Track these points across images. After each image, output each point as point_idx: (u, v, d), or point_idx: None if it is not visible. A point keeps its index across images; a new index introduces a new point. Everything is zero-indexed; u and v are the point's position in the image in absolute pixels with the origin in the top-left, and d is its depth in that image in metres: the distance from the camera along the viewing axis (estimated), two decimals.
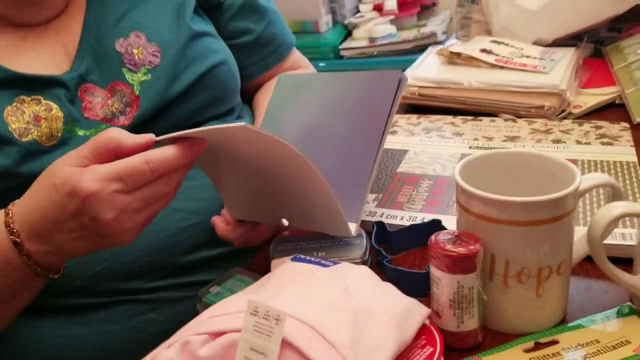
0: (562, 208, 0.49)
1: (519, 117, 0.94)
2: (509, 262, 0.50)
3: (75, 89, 0.73)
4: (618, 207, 0.50)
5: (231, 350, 0.44)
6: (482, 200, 0.50)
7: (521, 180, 0.55)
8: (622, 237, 0.61)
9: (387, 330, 0.46)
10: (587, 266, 0.57)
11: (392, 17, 2.08)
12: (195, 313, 0.51)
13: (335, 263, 0.53)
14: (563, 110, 0.94)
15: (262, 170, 0.60)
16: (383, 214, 0.71)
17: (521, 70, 1.00)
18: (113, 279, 0.72)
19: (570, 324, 0.53)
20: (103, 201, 0.52)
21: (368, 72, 0.70)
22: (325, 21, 2.11)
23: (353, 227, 0.62)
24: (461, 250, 0.48)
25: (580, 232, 0.55)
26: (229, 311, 0.47)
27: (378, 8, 2.13)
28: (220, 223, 0.69)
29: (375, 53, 2.04)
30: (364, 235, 0.63)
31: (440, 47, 1.14)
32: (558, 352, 0.50)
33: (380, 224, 0.66)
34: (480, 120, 0.95)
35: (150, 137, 0.54)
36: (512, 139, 0.87)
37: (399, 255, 0.66)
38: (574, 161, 0.78)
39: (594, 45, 1.16)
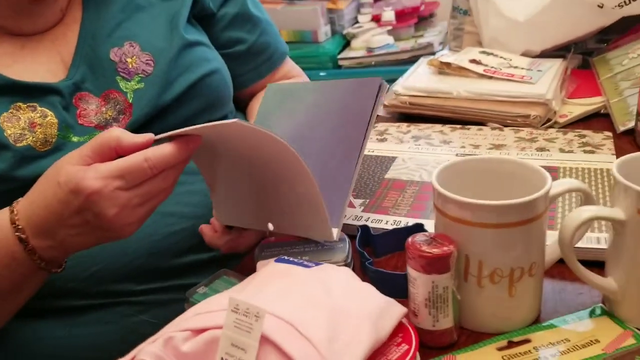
0: (532, 211, 0.51)
1: (506, 126, 0.96)
2: (482, 263, 0.52)
3: (70, 96, 0.76)
4: (587, 211, 0.52)
5: (213, 346, 0.46)
6: (457, 204, 0.52)
7: (497, 185, 0.57)
8: (597, 241, 0.63)
9: (363, 327, 0.48)
10: (562, 268, 0.59)
11: (390, 27, 2.12)
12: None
13: (317, 264, 0.55)
14: (549, 120, 0.96)
15: (253, 167, 0.62)
16: (369, 218, 0.73)
17: (509, 80, 1.02)
18: (105, 281, 0.73)
19: (543, 324, 0.55)
20: (106, 198, 0.55)
21: (349, 80, 0.72)
22: (324, 31, 2.14)
23: (335, 232, 0.64)
24: (435, 251, 0.50)
25: (554, 236, 0.57)
26: (211, 309, 0.49)
27: (376, 19, 2.17)
28: (208, 231, 0.71)
29: (373, 63, 2.07)
30: (347, 239, 0.65)
31: (431, 57, 1.16)
32: (529, 351, 0.52)
33: (364, 228, 0.68)
34: (468, 128, 0.97)
35: (149, 136, 0.57)
36: (497, 147, 0.89)
37: (383, 258, 0.68)
38: (556, 169, 0.80)
39: (582, 56, 1.18)
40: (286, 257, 0.56)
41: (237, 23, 0.93)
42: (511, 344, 0.53)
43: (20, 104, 0.72)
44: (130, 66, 0.78)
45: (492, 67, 1.07)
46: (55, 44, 0.78)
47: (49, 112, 0.73)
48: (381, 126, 1.01)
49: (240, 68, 0.94)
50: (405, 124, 1.01)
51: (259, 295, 0.50)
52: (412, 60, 2.05)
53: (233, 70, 0.91)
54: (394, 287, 0.58)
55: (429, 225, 0.67)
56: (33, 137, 0.71)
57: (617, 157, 0.81)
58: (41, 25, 0.77)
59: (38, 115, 0.72)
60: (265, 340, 0.44)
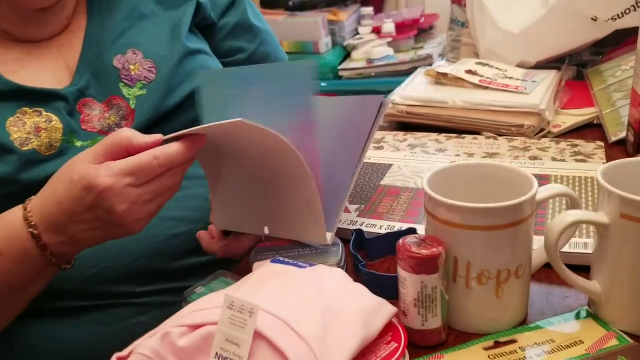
0: (519, 214, 0.53)
1: (500, 135, 0.98)
2: (470, 265, 0.54)
3: (74, 102, 0.78)
4: (572, 215, 0.54)
5: (208, 341, 0.47)
6: (447, 207, 0.53)
7: (486, 189, 0.58)
8: (584, 246, 0.65)
9: (353, 325, 0.49)
10: (549, 272, 0.61)
11: (390, 39, 2.14)
12: None
13: (311, 265, 0.57)
14: (542, 129, 0.98)
15: (255, 168, 0.65)
16: (363, 222, 0.75)
17: (503, 90, 1.05)
18: (105, 282, 0.75)
19: (529, 325, 0.56)
20: (117, 194, 0.58)
21: (353, 96, 0.75)
22: (324, 42, 2.17)
23: (329, 236, 0.66)
24: (424, 252, 0.52)
25: (542, 240, 0.59)
26: (207, 306, 0.50)
27: (376, 30, 2.19)
28: (205, 236, 0.74)
29: (372, 74, 2.10)
30: (340, 243, 0.67)
31: (428, 67, 1.19)
32: (515, 350, 0.53)
33: (358, 232, 0.70)
34: (463, 137, 0.99)
35: (158, 136, 0.60)
36: (491, 155, 0.91)
37: (376, 261, 0.69)
38: (547, 176, 0.82)
39: (577, 68, 1.20)
40: (281, 258, 0.58)
41: (237, 32, 0.95)
42: (497, 344, 0.54)
43: (26, 108, 0.74)
44: (132, 73, 0.80)
45: (487, 78, 1.09)
46: (61, 51, 0.80)
47: (54, 117, 0.75)
48: (378, 134, 1.03)
49: None
50: (402, 133, 1.03)
51: (254, 294, 0.51)
52: (411, 72, 2.06)
53: None
54: (386, 288, 0.60)
55: (422, 230, 0.69)
56: (38, 141, 0.73)
57: None
58: (47, 33, 0.80)
59: (43, 120, 0.74)
60: (258, 335, 0.46)
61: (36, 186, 0.69)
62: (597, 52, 1.21)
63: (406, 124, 1.07)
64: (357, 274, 0.65)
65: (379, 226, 0.73)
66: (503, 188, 0.58)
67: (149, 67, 0.81)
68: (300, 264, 0.57)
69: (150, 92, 0.81)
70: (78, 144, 0.76)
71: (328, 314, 0.50)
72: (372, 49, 2.09)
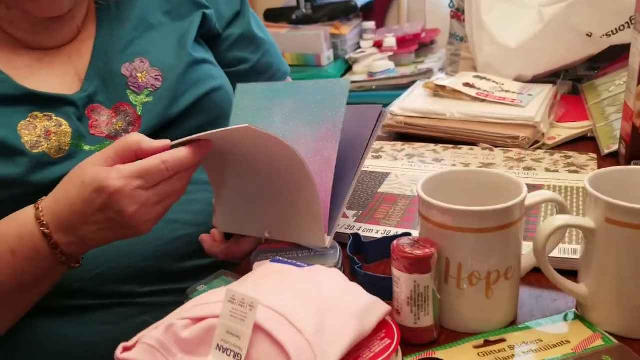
0: (508, 217, 0.55)
1: (496, 146, 1.01)
2: (462, 266, 0.56)
3: (83, 108, 0.81)
4: (560, 220, 0.56)
5: (210, 333, 0.50)
6: (440, 210, 0.56)
7: (478, 195, 0.61)
8: (573, 252, 0.67)
9: (348, 321, 0.52)
10: (539, 277, 0.63)
11: (391, 53, 2.17)
12: None
13: (309, 265, 0.59)
14: (537, 141, 1.01)
15: (259, 172, 0.67)
16: (360, 227, 0.77)
17: (500, 103, 1.07)
18: (111, 281, 0.78)
19: (518, 326, 0.59)
20: (127, 196, 0.61)
21: (352, 106, 0.78)
22: (327, 55, 2.20)
23: (327, 239, 0.68)
24: (418, 252, 0.54)
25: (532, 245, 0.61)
26: (209, 301, 0.53)
27: (378, 44, 2.23)
28: (208, 239, 0.76)
29: (373, 87, 2.12)
30: (338, 247, 0.70)
31: (427, 80, 1.22)
32: (504, 349, 0.55)
33: (355, 235, 0.72)
34: (460, 148, 1.02)
35: (167, 142, 0.63)
36: (487, 165, 0.93)
37: (372, 265, 0.72)
38: (541, 186, 0.84)
39: (572, 83, 1.23)
40: (280, 258, 0.61)
41: (241, 43, 0.98)
42: (487, 343, 0.56)
43: (37, 113, 0.77)
44: (140, 81, 0.83)
45: (484, 91, 1.11)
46: (71, 59, 0.83)
47: (64, 122, 0.78)
48: (377, 144, 1.05)
49: None
50: (400, 143, 1.06)
51: (255, 290, 0.54)
52: (411, 85, 2.11)
53: None
54: (381, 289, 0.62)
55: (417, 234, 0.71)
56: (48, 145, 0.76)
57: None
58: (58, 41, 0.82)
59: (53, 124, 0.77)
60: (258, 328, 0.48)
61: (45, 188, 0.72)
62: (593, 67, 1.24)
63: (405, 135, 1.09)
64: (354, 276, 0.67)
65: (375, 231, 0.76)
66: (494, 194, 0.60)
67: (156, 75, 0.84)
68: (298, 263, 0.59)
69: (156, 99, 0.83)
70: (86, 148, 0.79)
71: (325, 310, 0.52)
72: (373, 62, 2.12)
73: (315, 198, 0.65)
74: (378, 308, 0.55)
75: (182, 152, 0.62)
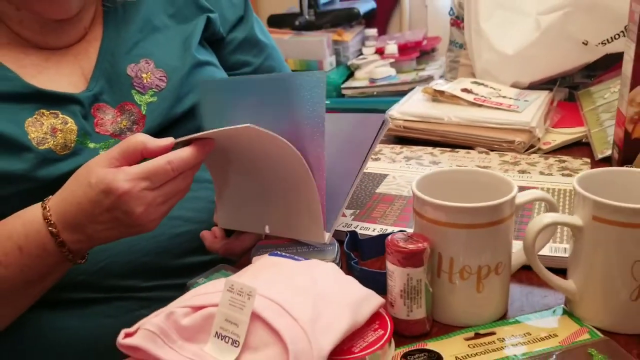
0: (499, 214, 0.57)
1: (492, 150, 1.03)
2: (453, 261, 0.58)
3: (89, 106, 0.83)
4: (548, 217, 0.58)
5: (209, 321, 0.52)
6: (433, 206, 0.58)
7: (470, 193, 0.63)
8: (564, 251, 0.69)
9: (343, 312, 0.53)
10: (530, 274, 0.65)
11: (393, 60, 2.20)
12: None
13: (306, 259, 0.61)
14: (532, 146, 1.03)
15: (259, 170, 0.69)
16: (358, 225, 0.79)
17: (497, 108, 1.09)
18: (113, 276, 0.80)
19: (508, 320, 0.60)
20: (134, 197, 0.63)
21: (357, 114, 0.80)
22: (329, 61, 2.23)
23: (326, 236, 0.70)
24: (411, 247, 0.56)
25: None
26: (209, 291, 0.55)
27: (380, 51, 2.25)
28: (208, 236, 0.78)
29: (374, 93, 2.15)
30: (336, 243, 0.72)
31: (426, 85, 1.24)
32: (494, 341, 0.57)
33: (352, 233, 0.74)
34: (457, 151, 1.04)
35: (170, 140, 0.65)
36: (482, 168, 0.95)
37: (368, 261, 0.73)
38: (535, 189, 0.86)
39: (569, 90, 1.25)
40: (278, 252, 0.63)
41: (244, 47, 1.00)
42: (478, 335, 0.58)
43: (44, 110, 0.79)
44: (145, 81, 0.85)
45: (482, 96, 1.14)
46: (78, 59, 0.85)
47: (70, 120, 0.80)
48: (376, 147, 1.07)
49: None
50: (399, 146, 1.08)
51: (253, 281, 0.55)
52: None
53: None
54: (376, 283, 0.64)
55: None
56: (54, 142, 0.78)
57: None
58: (65, 41, 0.85)
59: (59, 121, 0.79)
60: (255, 316, 0.50)
61: (51, 184, 0.74)
62: (589, 75, 1.26)
63: (403, 138, 1.11)
64: (350, 271, 0.69)
65: (372, 229, 0.78)
66: (486, 192, 0.62)
67: (161, 76, 0.86)
68: (296, 257, 0.61)
69: (160, 99, 0.86)
70: (91, 145, 0.81)
71: (320, 301, 0.54)
72: (375, 69, 2.14)
73: (315, 195, 0.67)
74: (372, 300, 0.57)
75: (186, 152, 0.64)
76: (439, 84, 1.21)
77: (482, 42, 1.24)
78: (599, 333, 0.58)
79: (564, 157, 0.98)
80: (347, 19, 2.30)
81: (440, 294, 0.60)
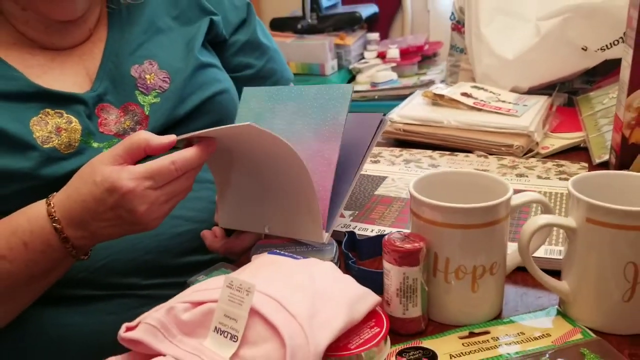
0: (494, 215, 0.58)
1: (491, 154, 1.04)
2: (449, 260, 0.59)
3: (93, 106, 0.84)
4: (543, 219, 0.59)
5: (208, 316, 0.53)
6: (429, 206, 0.59)
7: (466, 195, 0.64)
8: (559, 253, 0.70)
9: (339, 309, 0.55)
10: (525, 275, 0.66)
11: (394, 64, 2.21)
12: None
13: (304, 258, 0.63)
14: (531, 150, 1.04)
15: (260, 170, 0.71)
16: (356, 226, 0.80)
17: (496, 112, 1.10)
18: (114, 273, 0.81)
19: (502, 320, 0.62)
20: (138, 196, 0.64)
21: (355, 114, 0.81)
22: (331, 65, 2.24)
23: (325, 236, 0.72)
24: (407, 246, 0.57)
25: None
26: (209, 287, 0.56)
27: (381, 55, 2.26)
28: (209, 235, 0.80)
29: (376, 97, 2.16)
30: (335, 243, 0.73)
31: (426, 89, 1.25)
32: (487, 340, 0.58)
33: (351, 233, 0.75)
34: (456, 155, 1.05)
35: (173, 137, 0.67)
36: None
37: (366, 261, 0.75)
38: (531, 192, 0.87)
39: (568, 95, 1.26)
40: (277, 250, 0.64)
41: (246, 49, 1.02)
42: (472, 334, 0.59)
43: (49, 110, 0.80)
44: (148, 82, 0.87)
45: (481, 100, 1.15)
46: (82, 59, 0.86)
47: (74, 119, 0.81)
48: (376, 150, 1.09)
49: None
50: (398, 149, 1.09)
51: (252, 279, 0.56)
52: None
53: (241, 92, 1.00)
54: (373, 283, 0.65)
55: None
56: (58, 140, 0.79)
57: None
58: (70, 42, 0.86)
59: (64, 121, 0.80)
60: (254, 312, 0.51)
61: (55, 182, 0.75)
62: (589, 80, 1.27)
63: (403, 141, 1.13)
64: (348, 270, 0.70)
65: (370, 230, 0.79)
66: (482, 194, 0.63)
67: (164, 77, 0.88)
68: (294, 256, 0.62)
69: (164, 100, 0.87)
70: (95, 145, 0.82)
71: (317, 298, 0.55)
72: (376, 73, 2.15)
73: (314, 196, 0.68)
74: (369, 298, 0.58)
75: (189, 152, 0.66)
76: (439, 88, 1.22)
77: (483, 47, 1.25)
78: (591, 333, 0.59)
79: (562, 162, 0.99)
80: (350, 23, 2.31)
81: (436, 293, 0.61)
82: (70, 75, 0.85)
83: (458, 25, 1.40)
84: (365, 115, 0.82)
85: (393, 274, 0.58)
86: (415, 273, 0.58)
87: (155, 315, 0.53)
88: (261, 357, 0.49)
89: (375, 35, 2.33)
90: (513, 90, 1.21)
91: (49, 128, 0.79)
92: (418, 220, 0.61)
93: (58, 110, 0.81)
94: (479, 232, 0.58)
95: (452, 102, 1.16)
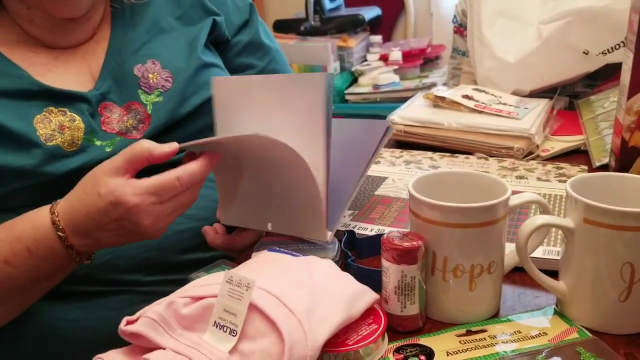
0: (492, 215, 0.59)
1: (491, 156, 1.05)
2: (447, 259, 0.60)
3: (96, 105, 0.85)
4: (541, 219, 0.60)
5: (208, 311, 0.53)
6: (428, 206, 0.60)
7: (465, 195, 0.64)
8: (557, 254, 0.70)
9: (338, 306, 0.55)
10: (523, 275, 0.66)
11: (397, 67, 2.22)
12: None
13: (304, 255, 0.63)
14: (531, 152, 1.04)
15: (264, 172, 0.72)
16: (356, 226, 0.81)
17: (497, 115, 1.11)
18: (115, 270, 0.81)
19: (500, 319, 0.62)
20: (143, 211, 0.66)
21: (362, 119, 0.82)
22: (333, 67, 2.25)
23: (328, 235, 0.72)
24: (406, 244, 0.58)
25: None
26: (209, 283, 0.57)
27: (384, 58, 2.27)
28: (210, 232, 0.81)
29: (378, 99, 2.17)
30: (337, 242, 0.73)
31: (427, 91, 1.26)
32: (484, 338, 0.59)
33: (350, 232, 0.76)
34: (456, 157, 1.05)
35: (175, 145, 0.68)
36: None
37: (365, 260, 0.75)
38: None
39: (569, 98, 1.27)
40: (277, 248, 0.64)
41: (249, 50, 1.02)
42: (469, 332, 0.60)
43: (52, 108, 0.81)
44: (151, 81, 0.87)
45: (482, 103, 1.15)
46: (86, 58, 0.87)
47: (77, 118, 0.82)
48: None
49: None
50: (399, 150, 1.10)
51: (252, 275, 0.57)
52: None
53: None
54: (372, 281, 0.65)
55: None
56: (62, 138, 0.80)
57: None
58: (74, 41, 0.87)
59: (67, 119, 0.81)
60: (253, 307, 0.52)
61: (58, 179, 0.76)
62: (589, 84, 1.28)
63: (404, 143, 1.13)
64: (347, 269, 0.71)
65: (370, 229, 0.80)
66: (481, 194, 0.63)
67: (167, 76, 0.88)
68: (294, 253, 0.63)
69: (166, 99, 0.88)
70: (98, 143, 0.83)
71: (316, 294, 0.55)
72: (378, 75, 2.16)
73: (317, 194, 0.69)
74: (367, 295, 0.59)
75: (194, 167, 0.67)
76: (441, 90, 1.23)
77: (484, 50, 1.26)
78: (587, 332, 0.59)
79: (562, 164, 1.00)
80: (352, 25, 2.32)
81: (434, 292, 0.62)
82: (74, 74, 0.85)
83: (460, 29, 1.41)
84: (373, 122, 0.83)
85: (391, 271, 0.59)
86: (413, 271, 0.58)
87: (156, 309, 0.53)
88: (260, 352, 0.50)
89: (377, 38, 2.34)
90: (514, 93, 1.22)
91: (52, 126, 0.80)
92: (417, 219, 0.61)
93: (61, 109, 0.81)
94: (477, 231, 0.59)
95: (453, 105, 1.16)
